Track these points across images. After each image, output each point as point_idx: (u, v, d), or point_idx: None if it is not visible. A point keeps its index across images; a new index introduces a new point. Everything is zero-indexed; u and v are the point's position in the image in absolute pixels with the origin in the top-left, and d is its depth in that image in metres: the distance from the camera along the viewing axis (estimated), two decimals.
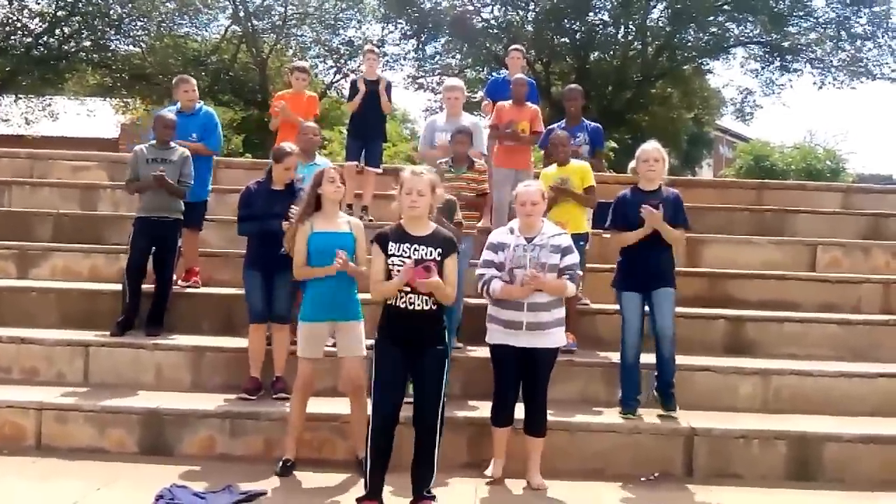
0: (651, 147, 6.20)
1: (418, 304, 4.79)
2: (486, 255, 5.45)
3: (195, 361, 6.66)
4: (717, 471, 5.83)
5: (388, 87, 9.32)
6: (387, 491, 4.95)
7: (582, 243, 6.87)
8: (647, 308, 6.11)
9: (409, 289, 4.76)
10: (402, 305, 4.80)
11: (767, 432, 5.93)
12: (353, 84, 9.51)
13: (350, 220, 5.64)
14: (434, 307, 4.83)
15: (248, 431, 5.92)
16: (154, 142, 7.36)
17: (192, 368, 6.65)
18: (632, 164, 6.32)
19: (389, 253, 4.79)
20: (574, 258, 5.45)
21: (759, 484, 5.69)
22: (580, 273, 5.54)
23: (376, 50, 10.12)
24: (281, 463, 5.56)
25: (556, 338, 5.40)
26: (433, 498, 4.89)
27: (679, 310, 6.38)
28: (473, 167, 7.07)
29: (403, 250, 4.77)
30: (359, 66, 9.26)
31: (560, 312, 5.42)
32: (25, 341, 6.74)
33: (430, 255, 4.77)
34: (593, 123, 8.37)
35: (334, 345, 5.65)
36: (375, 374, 4.85)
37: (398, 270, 4.74)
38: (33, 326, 7.11)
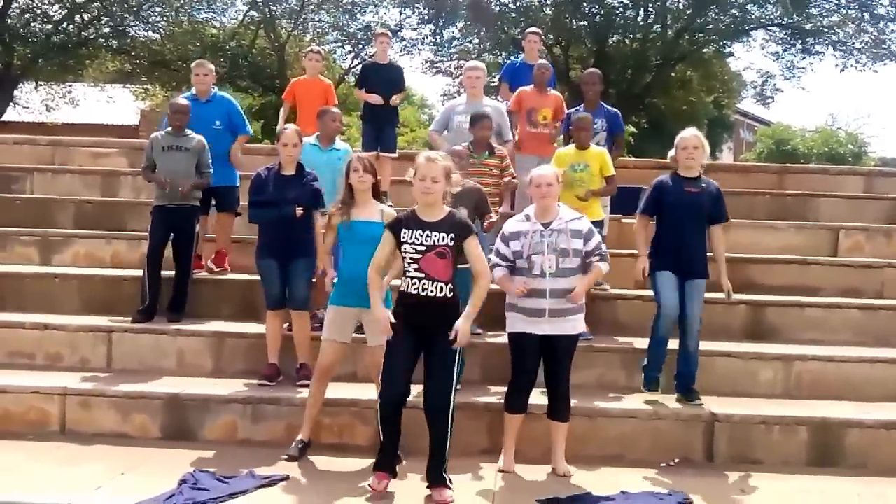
0: (690, 134, 6.13)
1: (431, 291, 4.79)
2: (497, 244, 5.47)
3: (217, 347, 6.71)
4: (737, 457, 5.82)
5: (400, 72, 9.31)
6: (409, 477, 5.01)
7: (597, 230, 6.82)
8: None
9: (422, 275, 4.78)
10: (415, 291, 4.80)
11: (788, 418, 5.91)
12: (364, 69, 9.49)
13: (384, 209, 5.53)
14: (450, 294, 4.83)
15: (270, 417, 5.96)
16: (170, 129, 7.37)
17: (214, 354, 6.70)
18: (671, 152, 6.24)
19: (402, 240, 4.82)
20: (598, 238, 5.45)
21: (780, 470, 5.68)
22: (606, 252, 5.52)
23: (389, 33, 10.07)
24: (294, 443, 5.59)
25: (578, 324, 5.39)
26: (448, 485, 4.90)
27: None
28: (495, 153, 7.05)
29: (416, 237, 4.80)
30: (375, 53, 9.19)
31: (581, 298, 5.40)
32: (49, 327, 6.81)
33: (443, 240, 4.78)
34: (611, 108, 8.30)
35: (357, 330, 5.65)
36: (387, 353, 4.90)
37: (411, 258, 4.78)
38: (56, 313, 7.19)
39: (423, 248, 4.77)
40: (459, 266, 5.20)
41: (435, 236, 4.78)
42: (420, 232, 4.80)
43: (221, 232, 8.03)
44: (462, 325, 4.81)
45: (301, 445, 5.59)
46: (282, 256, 6.28)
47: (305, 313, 6.35)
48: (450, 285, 4.82)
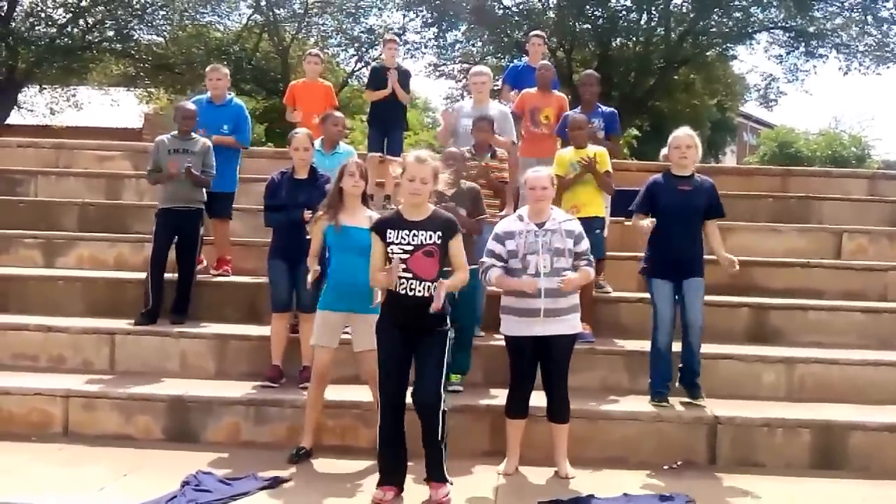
0: (683, 133, 6.14)
1: (419, 291, 4.75)
2: (491, 244, 5.42)
3: (220, 349, 6.72)
4: (740, 459, 5.80)
5: (407, 76, 9.31)
6: (409, 479, 4.99)
7: (598, 230, 6.85)
8: (676, 297, 6.07)
9: (409, 275, 4.75)
10: (403, 292, 4.77)
11: (791, 421, 5.89)
12: (374, 71, 9.51)
13: (372, 215, 5.49)
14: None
15: (273, 419, 5.97)
16: (176, 132, 7.40)
17: (217, 356, 6.71)
18: (663, 151, 6.27)
19: (388, 241, 4.79)
20: (587, 243, 5.43)
21: (783, 472, 5.66)
22: (593, 259, 5.52)
23: (397, 39, 10.09)
24: (295, 450, 5.57)
25: (573, 323, 5.37)
26: (446, 481, 4.88)
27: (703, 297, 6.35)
28: (496, 154, 7.06)
29: (402, 237, 4.77)
30: (380, 55, 9.17)
31: (575, 298, 5.39)
32: (52, 329, 6.83)
33: (430, 239, 4.76)
34: (608, 108, 8.31)
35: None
36: (379, 359, 4.89)
37: (398, 258, 4.74)
38: (60, 315, 7.19)
39: (411, 248, 4.75)
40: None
41: (422, 235, 4.76)
42: (406, 232, 4.77)
43: (220, 238, 8.04)
44: (438, 290, 4.67)
45: (302, 452, 5.57)
46: (291, 259, 6.31)
47: (312, 316, 6.33)
48: (435, 284, 4.78)
